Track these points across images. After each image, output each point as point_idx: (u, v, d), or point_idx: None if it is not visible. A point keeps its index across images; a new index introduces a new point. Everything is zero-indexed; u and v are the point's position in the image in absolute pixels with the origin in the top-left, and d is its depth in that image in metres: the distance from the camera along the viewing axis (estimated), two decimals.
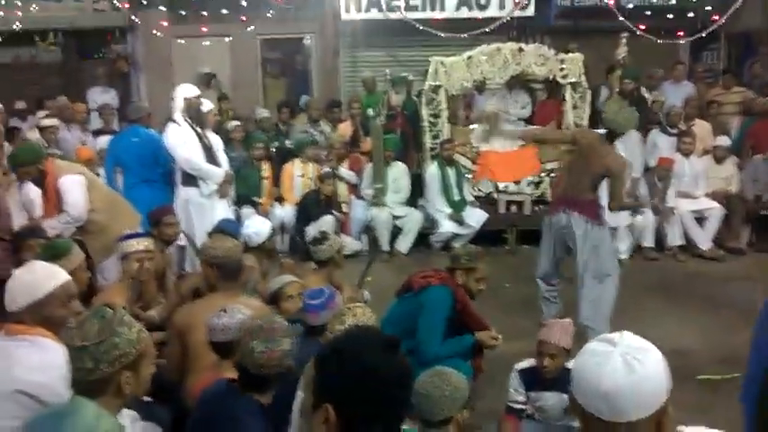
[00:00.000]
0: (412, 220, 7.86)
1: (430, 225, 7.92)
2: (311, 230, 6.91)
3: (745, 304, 6.03)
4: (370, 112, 8.24)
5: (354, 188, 8.15)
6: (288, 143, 8.48)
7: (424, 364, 2.85)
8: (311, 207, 7.48)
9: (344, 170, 8.08)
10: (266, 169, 7.99)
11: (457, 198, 7.94)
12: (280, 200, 7.99)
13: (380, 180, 7.87)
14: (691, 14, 9.68)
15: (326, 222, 7.27)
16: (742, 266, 7.38)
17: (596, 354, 1.42)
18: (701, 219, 7.72)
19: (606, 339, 1.44)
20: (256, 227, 4.45)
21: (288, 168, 8.06)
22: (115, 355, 1.93)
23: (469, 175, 8.22)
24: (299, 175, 7.98)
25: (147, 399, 2.71)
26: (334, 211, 7.56)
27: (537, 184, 8.20)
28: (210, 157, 6.26)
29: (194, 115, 6.16)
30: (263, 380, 2.47)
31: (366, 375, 1.42)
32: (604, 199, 5.35)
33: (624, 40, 8.51)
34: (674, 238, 7.62)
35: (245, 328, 2.57)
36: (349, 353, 1.45)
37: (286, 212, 7.78)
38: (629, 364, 1.37)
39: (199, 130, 6.21)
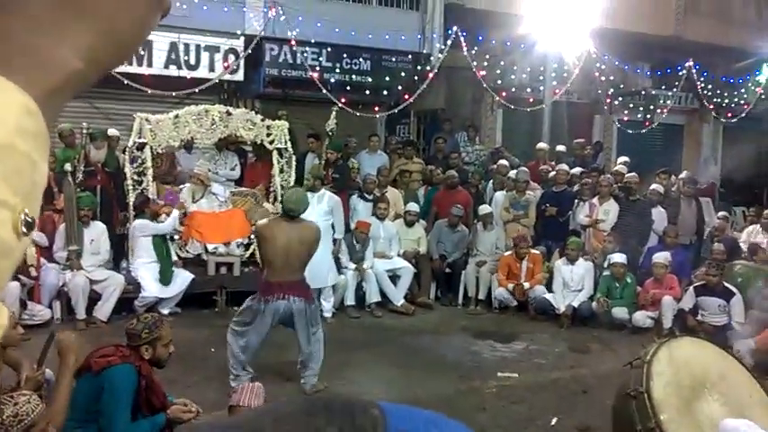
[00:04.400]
0: (113, 284, 7.36)
1: (133, 289, 7.51)
2: None
3: (430, 355, 6.71)
4: (67, 167, 7.65)
5: (45, 250, 7.41)
6: None
7: None
8: None
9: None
10: None
11: (164, 260, 7.67)
12: None
13: (76, 241, 7.29)
14: (385, 92, 10.74)
15: (11, 289, 6.49)
16: (430, 320, 8.19)
17: None
18: (394, 277, 8.44)
19: None
20: None
21: None
22: None
23: (177, 237, 8.02)
24: None
25: None
26: (20, 276, 6.78)
27: (247, 246, 8.26)
28: None
29: None
30: None
31: None
32: None
33: (334, 113, 9.08)
34: (372, 296, 8.20)
35: None
36: None
37: None
38: None
39: None
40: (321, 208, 7.66)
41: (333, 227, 7.95)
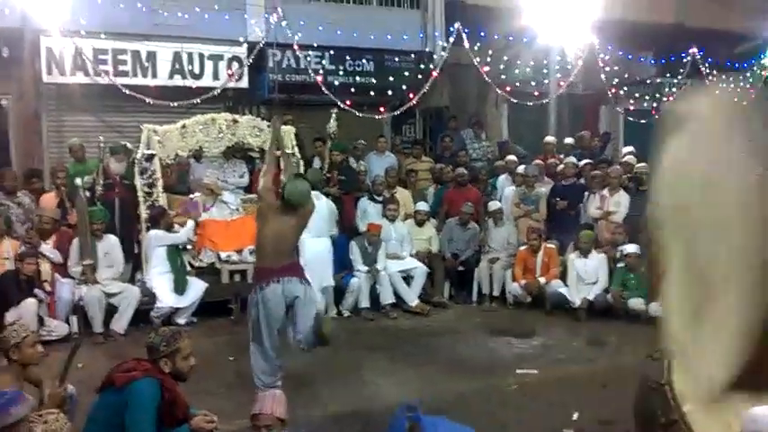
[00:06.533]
0: (128, 297, 7.39)
1: (149, 300, 7.53)
2: (10, 316, 6.18)
3: (447, 354, 6.71)
4: (78, 181, 7.68)
5: (60, 266, 7.43)
6: None
7: None
8: (10, 290, 6.67)
9: (47, 247, 7.33)
10: None
11: (178, 270, 7.69)
12: None
13: (89, 255, 7.32)
14: (390, 93, 10.75)
15: (28, 306, 6.54)
16: (445, 318, 8.19)
17: None
18: (407, 277, 8.43)
19: None
20: None
21: None
22: None
23: (189, 246, 8.04)
24: None
25: None
26: (37, 292, 6.82)
27: None
28: None
29: None
30: None
31: None
32: None
33: (334, 115, 9.11)
34: (386, 297, 8.20)
35: None
36: None
37: None
38: None
39: None
40: (322, 212, 7.58)
41: None
